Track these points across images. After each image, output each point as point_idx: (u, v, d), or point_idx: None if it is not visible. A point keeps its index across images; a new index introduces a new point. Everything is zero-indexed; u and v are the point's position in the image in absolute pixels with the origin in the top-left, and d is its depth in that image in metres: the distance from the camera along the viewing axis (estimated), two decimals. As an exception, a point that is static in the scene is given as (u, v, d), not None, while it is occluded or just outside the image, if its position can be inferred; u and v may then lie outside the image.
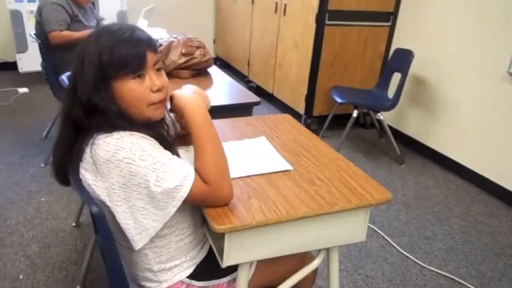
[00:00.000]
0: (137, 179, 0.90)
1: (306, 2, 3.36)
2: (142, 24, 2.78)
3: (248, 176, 1.16)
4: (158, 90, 0.98)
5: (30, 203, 2.32)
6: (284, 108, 3.86)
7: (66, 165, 1.00)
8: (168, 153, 0.97)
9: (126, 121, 0.95)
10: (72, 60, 2.40)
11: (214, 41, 5.43)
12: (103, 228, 0.97)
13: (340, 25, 3.34)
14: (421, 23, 3.26)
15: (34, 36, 2.64)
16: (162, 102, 1.01)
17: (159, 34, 2.84)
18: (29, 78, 4.20)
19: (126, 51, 0.92)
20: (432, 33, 3.16)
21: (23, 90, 3.99)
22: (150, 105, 0.98)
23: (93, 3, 2.77)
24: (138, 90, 0.95)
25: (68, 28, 2.53)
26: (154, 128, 1.01)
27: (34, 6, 2.69)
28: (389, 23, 3.51)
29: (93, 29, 1.01)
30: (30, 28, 3.19)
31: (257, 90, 4.31)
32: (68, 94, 0.96)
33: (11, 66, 4.35)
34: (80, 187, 0.98)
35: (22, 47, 4.01)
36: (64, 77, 1.74)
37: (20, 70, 4.12)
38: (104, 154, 0.90)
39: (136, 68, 0.94)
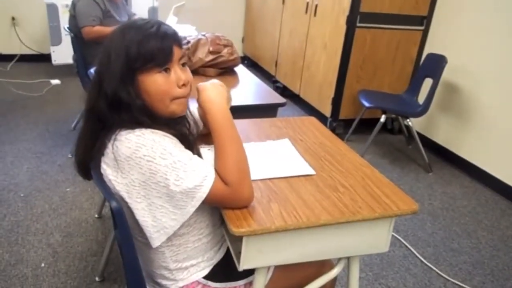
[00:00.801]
0: (157, 178, 0.89)
1: (337, 3, 3.31)
2: (172, 20, 2.80)
3: (269, 179, 1.14)
4: (184, 85, 0.99)
5: (56, 193, 2.38)
6: (310, 110, 3.81)
7: (88, 160, 1.00)
8: (189, 152, 0.96)
9: (149, 117, 0.95)
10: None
11: (243, 40, 5.43)
12: (121, 223, 0.97)
13: (371, 28, 3.27)
14: (455, 28, 3.16)
15: (68, 30, 2.70)
16: (186, 97, 1.01)
17: (188, 31, 2.85)
18: (62, 70, 4.31)
19: (154, 44, 0.93)
20: (466, 39, 3.05)
21: (55, 81, 4.10)
22: (174, 100, 0.98)
23: (125, -1, 2.81)
24: (164, 84, 0.96)
25: (101, 24, 2.57)
26: (176, 126, 1.01)
27: (69, 0, 2.75)
28: (422, 27, 3.41)
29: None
30: (64, 21, 3.27)
31: (284, 90, 4.28)
32: (93, 88, 0.96)
33: (46, 58, 4.48)
34: (101, 181, 0.98)
35: (56, 40, 4.12)
36: (93, 71, 1.76)
37: (53, 62, 4.24)
38: (125, 150, 0.90)
39: (163, 61, 0.95)
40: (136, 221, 0.96)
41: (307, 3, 3.75)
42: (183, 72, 0.99)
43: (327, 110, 3.53)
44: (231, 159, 0.97)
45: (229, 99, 1.10)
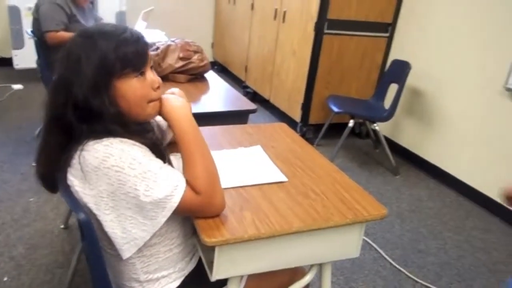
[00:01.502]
0: (126, 188, 0.87)
1: (305, 10, 3.35)
2: (141, 25, 2.75)
3: (241, 187, 1.14)
4: (158, 88, 0.99)
5: (18, 203, 2.28)
6: (280, 115, 3.84)
7: (52, 172, 0.96)
8: (159, 161, 0.94)
9: (121, 125, 0.92)
10: None
11: (212, 45, 5.41)
12: (89, 236, 0.94)
13: (338, 35, 3.34)
14: (418, 35, 3.27)
15: (31, 33, 2.61)
16: (159, 99, 1.01)
17: (157, 36, 2.81)
18: (25, 75, 4.15)
19: (130, 49, 0.92)
20: (429, 46, 3.16)
21: (17, 86, 3.95)
22: (150, 102, 0.98)
23: (92, 3, 2.74)
24: (141, 88, 0.95)
25: (66, 28, 2.50)
26: (146, 135, 0.99)
27: (32, 2, 2.66)
28: (387, 34, 3.50)
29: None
30: (27, 24, 3.16)
31: (254, 96, 4.29)
32: (57, 97, 0.91)
33: (7, 62, 4.30)
34: (68, 193, 0.95)
35: (18, 43, 3.97)
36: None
37: (15, 66, 4.08)
38: (92, 161, 0.87)
39: (140, 65, 0.94)
40: (105, 233, 0.93)
41: (276, 10, 3.78)
42: (154, 75, 1.00)
43: (297, 116, 3.56)
44: (200, 167, 0.96)
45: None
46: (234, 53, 4.80)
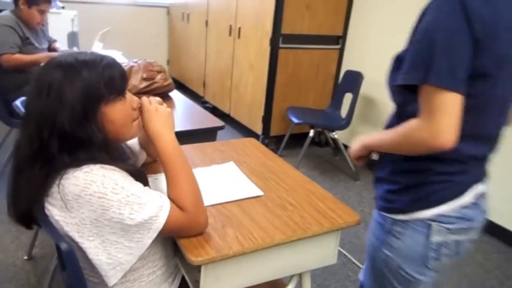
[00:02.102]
0: (110, 213, 0.87)
1: (260, 26, 3.45)
2: (97, 46, 2.71)
3: (220, 204, 1.16)
4: (137, 106, 1.03)
5: (-26, 237, 2.15)
6: (241, 128, 3.88)
7: (32, 207, 0.93)
8: (140, 184, 0.95)
9: (106, 152, 0.93)
10: (23, 83, 2.30)
11: (168, 62, 5.40)
12: (73, 265, 0.93)
13: (293, 48, 3.45)
14: (367, 46, 3.45)
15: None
16: (139, 117, 1.05)
17: (114, 57, 2.77)
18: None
19: (114, 74, 0.95)
20: (377, 56, 3.34)
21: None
22: (133, 122, 1.02)
23: (42, 24, 2.67)
24: (125, 109, 0.99)
25: (20, 51, 2.42)
26: (127, 160, 1.00)
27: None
28: (338, 46, 3.67)
29: (51, 61, 0.94)
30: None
31: (213, 110, 4.31)
32: (40, 129, 0.89)
33: None
34: (46, 223, 0.93)
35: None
36: (19, 103, 1.65)
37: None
38: (73, 189, 0.87)
39: (123, 88, 0.98)
40: (87, 261, 0.92)
41: (230, 26, 3.85)
42: (131, 95, 1.03)
43: (258, 128, 3.63)
44: (185, 186, 0.98)
45: (172, 121, 1.10)
46: (191, 69, 4.81)
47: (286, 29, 3.34)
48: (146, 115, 1.04)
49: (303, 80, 3.61)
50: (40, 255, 2.05)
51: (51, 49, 2.76)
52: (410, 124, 0.91)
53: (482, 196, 1.01)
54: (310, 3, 3.34)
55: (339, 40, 3.64)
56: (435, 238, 0.99)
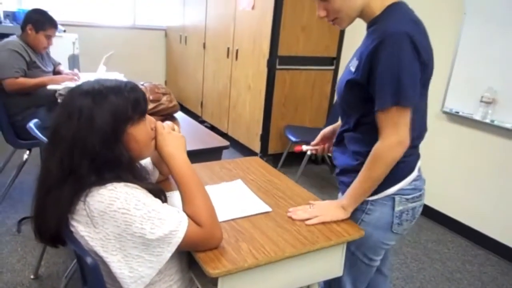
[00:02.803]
0: (133, 229, 0.93)
1: (257, 48, 3.56)
2: (102, 69, 2.80)
3: (232, 220, 1.22)
4: (154, 126, 1.12)
5: (-21, 258, 2.17)
6: (239, 147, 3.96)
7: (61, 226, 0.98)
8: (159, 201, 1.02)
9: (130, 171, 1.01)
10: (28, 105, 2.37)
11: (166, 83, 5.50)
12: (97, 279, 0.98)
13: (289, 69, 3.57)
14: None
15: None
16: (156, 138, 1.13)
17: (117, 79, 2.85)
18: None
19: (139, 97, 1.03)
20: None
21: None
22: (152, 140, 1.10)
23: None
24: (147, 129, 1.08)
25: (25, 75, 2.50)
26: (147, 179, 1.07)
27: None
28: (333, 67, 3.79)
29: (76, 88, 1.02)
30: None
31: (211, 130, 4.36)
32: (72, 153, 0.95)
33: None
34: (71, 239, 0.99)
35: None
36: (33, 125, 1.71)
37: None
38: (98, 205, 0.93)
39: (146, 109, 1.07)
40: (109, 275, 0.97)
41: (228, 48, 3.97)
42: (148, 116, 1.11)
43: (256, 147, 3.70)
44: (200, 203, 1.05)
45: (185, 143, 1.18)
46: (189, 90, 4.91)
47: (282, 51, 3.46)
48: (160, 137, 1.12)
49: (299, 99, 3.72)
50: (46, 275, 2.08)
51: (55, 71, 2.84)
52: (379, 151, 1.15)
53: (420, 169, 1.28)
54: (305, 26, 3.47)
55: (334, 61, 3.77)
56: (398, 207, 1.24)
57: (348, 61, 1.28)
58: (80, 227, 0.95)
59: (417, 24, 1.13)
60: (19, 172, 2.61)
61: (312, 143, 1.56)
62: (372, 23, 1.17)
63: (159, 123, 1.15)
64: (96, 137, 0.95)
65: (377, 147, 1.15)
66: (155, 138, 1.12)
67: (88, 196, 0.94)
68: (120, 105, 0.99)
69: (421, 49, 1.08)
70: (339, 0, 1.13)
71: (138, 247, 0.95)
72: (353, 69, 1.19)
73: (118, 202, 0.93)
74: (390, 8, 1.14)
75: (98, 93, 0.99)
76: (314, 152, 1.56)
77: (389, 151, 1.14)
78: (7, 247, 2.27)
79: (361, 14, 1.18)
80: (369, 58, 1.10)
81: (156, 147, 1.12)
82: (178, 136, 1.15)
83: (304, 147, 1.54)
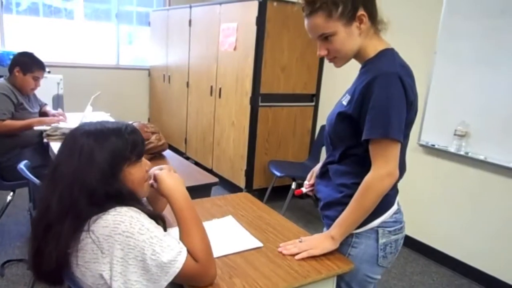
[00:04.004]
0: (135, 252, 0.96)
1: (240, 87, 3.68)
2: (89, 110, 2.84)
3: (225, 256, 1.25)
4: (149, 169, 1.17)
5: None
6: (224, 182, 3.99)
7: (63, 261, 0.99)
8: (161, 228, 1.05)
9: (132, 199, 1.05)
10: (13, 146, 2.41)
11: (149, 120, 5.54)
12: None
13: (271, 106, 3.68)
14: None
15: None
16: (154, 177, 1.18)
17: (103, 118, 2.89)
18: None
19: (138, 140, 1.09)
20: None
21: None
22: (145, 182, 1.14)
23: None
24: (142, 171, 1.12)
25: (12, 117, 2.52)
26: (150, 209, 1.11)
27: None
28: (313, 103, 3.93)
29: (77, 129, 1.07)
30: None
31: (196, 166, 4.41)
32: (72, 189, 0.98)
33: None
34: (71, 277, 1.00)
35: None
36: (23, 167, 1.72)
37: None
38: (103, 231, 0.95)
39: (143, 152, 1.12)
40: None
41: (211, 87, 4.08)
42: (143, 158, 1.16)
43: (241, 182, 3.74)
44: (198, 238, 1.09)
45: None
46: (172, 127, 4.96)
47: (264, 89, 3.58)
48: (160, 176, 1.16)
49: (282, 135, 3.81)
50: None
51: (41, 112, 2.86)
52: (370, 181, 1.20)
53: (398, 203, 1.35)
54: (285, 66, 3.63)
55: (313, 98, 3.91)
56: (382, 240, 1.29)
57: (340, 97, 1.36)
58: (87, 257, 0.96)
59: (405, 68, 1.24)
60: (2, 213, 2.57)
61: (307, 182, 1.57)
62: (366, 64, 1.27)
63: (155, 168, 1.21)
64: (95, 173, 1.00)
65: (368, 177, 1.21)
66: (156, 177, 1.17)
67: (91, 225, 0.97)
68: (120, 145, 1.04)
69: (408, 89, 1.18)
70: (340, 41, 1.23)
71: (138, 271, 0.97)
72: (345, 103, 1.28)
73: (122, 226, 0.96)
74: (382, 53, 1.25)
75: (100, 133, 1.04)
76: (311, 192, 1.56)
77: (380, 182, 1.20)
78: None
79: (357, 56, 1.28)
80: (362, 92, 1.19)
81: (157, 183, 1.16)
82: (177, 175, 1.21)
83: (304, 190, 1.57)
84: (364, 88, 1.19)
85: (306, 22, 1.25)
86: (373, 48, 1.26)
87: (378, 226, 1.28)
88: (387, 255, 1.31)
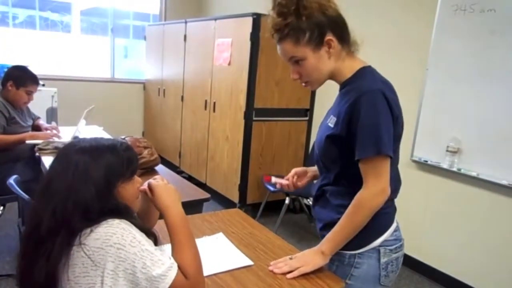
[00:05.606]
0: (125, 265, 0.94)
1: (234, 101, 3.69)
2: (82, 124, 2.83)
3: (214, 274, 1.24)
4: (140, 186, 1.16)
5: None
6: (218, 197, 3.97)
7: (54, 275, 0.97)
8: (152, 242, 1.04)
9: (127, 213, 1.05)
10: (4, 160, 2.40)
11: (143, 134, 5.53)
12: None
13: (265, 121, 3.70)
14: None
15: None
16: (150, 188, 1.17)
17: (96, 132, 2.89)
18: None
19: (132, 156, 1.10)
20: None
21: None
22: (136, 199, 1.14)
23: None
24: (134, 188, 1.12)
25: (4, 131, 2.50)
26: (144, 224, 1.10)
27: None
28: (307, 118, 3.95)
29: (71, 145, 1.07)
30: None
31: (189, 180, 4.39)
32: (65, 205, 0.97)
33: None
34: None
35: None
36: (13, 182, 1.71)
37: None
38: (94, 243, 0.94)
39: (137, 169, 1.13)
40: None
41: (206, 101, 4.09)
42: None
43: (235, 197, 3.73)
44: (189, 255, 1.07)
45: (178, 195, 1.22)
46: (167, 141, 4.96)
47: (258, 104, 3.60)
48: (157, 190, 1.15)
49: (276, 149, 3.82)
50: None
51: (34, 125, 2.85)
52: (363, 198, 1.21)
53: (396, 220, 1.35)
54: (278, 80, 3.65)
55: (307, 112, 3.93)
56: (384, 259, 1.29)
57: (323, 119, 1.37)
58: (77, 271, 0.95)
59: (386, 83, 1.25)
60: (-9, 228, 2.54)
61: (284, 178, 1.59)
62: (344, 85, 1.28)
63: (151, 180, 1.20)
64: (91, 189, 0.99)
65: (361, 194, 1.21)
66: (152, 191, 1.16)
67: (83, 239, 0.95)
68: (115, 162, 1.04)
69: (393, 104, 1.20)
70: (310, 65, 1.24)
71: (127, 284, 0.95)
72: (331, 124, 1.27)
73: (114, 237, 0.95)
74: (360, 72, 1.26)
75: (95, 150, 1.04)
76: (280, 185, 1.60)
77: (373, 199, 1.20)
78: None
79: (333, 77, 1.30)
80: (348, 112, 1.20)
81: (153, 195, 1.15)
82: (173, 188, 1.20)
83: (273, 179, 1.61)
84: (349, 107, 1.20)
85: (277, 47, 1.27)
86: (349, 68, 1.27)
87: (379, 245, 1.28)
88: (389, 273, 1.31)
